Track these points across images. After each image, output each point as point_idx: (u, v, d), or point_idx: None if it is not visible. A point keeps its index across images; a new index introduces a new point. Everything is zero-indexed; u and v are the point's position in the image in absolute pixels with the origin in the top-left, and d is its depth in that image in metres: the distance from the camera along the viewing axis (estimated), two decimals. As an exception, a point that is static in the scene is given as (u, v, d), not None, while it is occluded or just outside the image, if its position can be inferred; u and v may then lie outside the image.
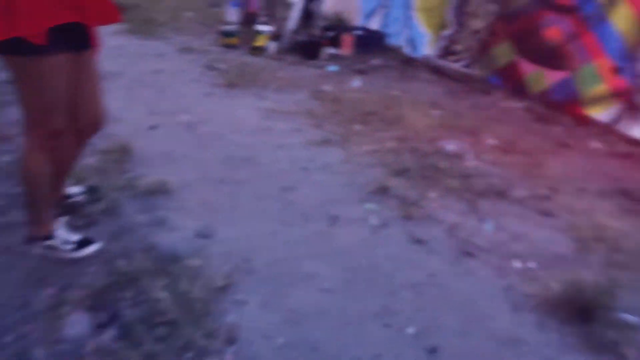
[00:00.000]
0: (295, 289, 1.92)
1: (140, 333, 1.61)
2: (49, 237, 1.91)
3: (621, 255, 2.32)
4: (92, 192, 2.34)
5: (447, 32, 5.47)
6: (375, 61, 5.53)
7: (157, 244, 2.07)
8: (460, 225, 2.47)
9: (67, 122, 1.79)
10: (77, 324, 1.67)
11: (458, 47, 5.40)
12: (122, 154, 2.78)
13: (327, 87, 4.43)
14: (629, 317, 1.88)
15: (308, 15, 5.86)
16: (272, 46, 5.41)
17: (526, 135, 3.79)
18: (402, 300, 1.92)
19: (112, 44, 4.66)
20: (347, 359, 1.63)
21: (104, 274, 1.89)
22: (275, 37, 5.52)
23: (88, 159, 2.53)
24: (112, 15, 1.78)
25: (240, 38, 5.47)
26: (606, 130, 4.01)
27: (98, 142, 2.60)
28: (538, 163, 3.29)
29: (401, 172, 2.92)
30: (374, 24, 6.43)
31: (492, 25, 5.02)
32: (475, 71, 5.17)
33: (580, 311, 1.85)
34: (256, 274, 1.98)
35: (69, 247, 1.94)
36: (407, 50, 5.94)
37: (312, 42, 5.54)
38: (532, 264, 2.19)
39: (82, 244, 1.97)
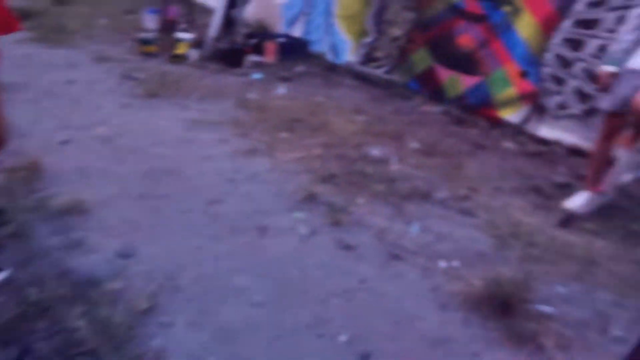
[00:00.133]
0: (225, 305, 1.87)
1: (56, 367, 1.49)
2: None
3: (535, 249, 2.47)
4: (-3, 216, 2.14)
5: (367, 39, 5.61)
6: (299, 68, 5.55)
7: (73, 268, 1.93)
8: (388, 229, 2.52)
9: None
10: (-19, 363, 1.51)
11: (379, 54, 5.55)
12: (31, 171, 2.57)
13: (252, 95, 4.38)
14: (545, 308, 2.00)
15: (230, 22, 5.77)
16: (194, 54, 5.27)
17: (445, 138, 3.96)
18: (333, 308, 1.92)
19: (17, 53, 4.34)
20: (281, 373, 1.61)
21: (13, 304, 1.73)
22: (197, 44, 5.38)
23: (-10, 180, 2.32)
24: (8, 25, 1.64)
25: (160, 46, 5.28)
26: (517, 131, 4.28)
27: (3, 159, 2.39)
28: (457, 164, 3.44)
29: (328, 179, 2.94)
30: (297, 31, 6.47)
31: (409, 33, 5.20)
32: (396, 77, 5.33)
33: (501, 306, 1.94)
34: (182, 292, 1.90)
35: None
36: (330, 57, 6.02)
37: (235, 50, 5.46)
38: (456, 263, 2.28)
39: (-14, 273, 1.80)
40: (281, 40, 5.95)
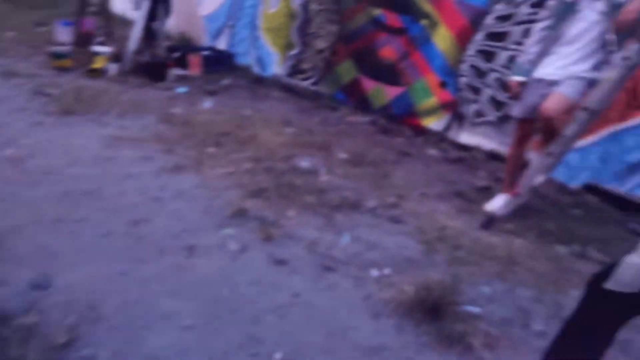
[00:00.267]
0: (152, 332, 1.77)
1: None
2: None
3: (461, 252, 2.57)
4: None
5: (293, 51, 5.65)
6: (226, 81, 5.48)
7: (-22, 305, 1.76)
8: (319, 240, 2.52)
9: None
10: None
11: (305, 66, 5.60)
12: None
13: (177, 110, 4.26)
14: (472, 309, 2.08)
15: (151, 35, 5.60)
16: (112, 68, 5.05)
17: (372, 148, 4.05)
18: (267, 326, 1.88)
19: None
20: (214, 399, 1.54)
21: None
22: (115, 58, 5.16)
23: None
24: None
25: (75, 60, 5.01)
26: (440, 138, 4.46)
27: None
28: (385, 173, 3.53)
29: (258, 193, 2.90)
30: (222, 44, 6.40)
31: (334, 45, 5.30)
32: (323, 88, 5.41)
33: (431, 310, 1.99)
34: (105, 321, 1.79)
35: None
36: (256, 69, 6.00)
37: (157, 63, 5.30)
38: (387, 271, 2.31)
39: None
40: (206, 53, 5.86)
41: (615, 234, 3.05)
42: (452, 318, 1.98)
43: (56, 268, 2.03)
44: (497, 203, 3.08)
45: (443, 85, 4.49)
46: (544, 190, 3.47)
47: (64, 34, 5.60)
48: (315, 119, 4.68)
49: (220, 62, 5.92)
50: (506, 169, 3.24)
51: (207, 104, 4.59)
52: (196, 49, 6.06)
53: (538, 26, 2.98)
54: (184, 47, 5.99)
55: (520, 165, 3.13)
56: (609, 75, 2.41)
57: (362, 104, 5.07)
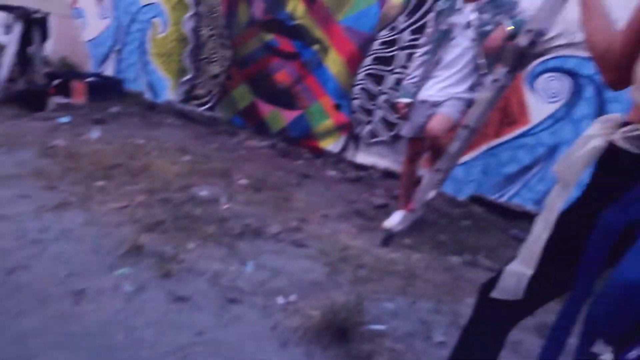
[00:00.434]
0: (35, 394, 1.58)
1: None
2: None
3: (364, 270, 2.63)
4: None
5: (186, 77, 5.52)
6: (115, 109, 5.20)
7: None
8: (222, 272, 2.43)
9: None
10: None
11: (200, 92, 5.48)
12: None
13: (60, 142, 3.94)
14: (377, 327, 2.12)
15: (26, 61, 5.16)
16: (-19, 98, 4.57)
17: (273, 172, 4.04)
18: (169, 370, 1.77)
19: None
20: None
21: None
22: (-16, 87, 4.68)
23: None
24: None
25: None
26: (338, 159, 4.58)
27: None
28: (286, 197, 3.53)
29: (154, 227, 2.75)
30: (109, 70, 6.08)
31: (228, 70, 5.26)
32: (219, 114, 5.33)
33: (338, 333, 1.99)
34: (-24, 389, 1.57)
35: None
36: (148, 95, 5.78)
37: (34, 91, 4.89)
38: (293, 297, 2.29)
39: None
40: (91, 79, 5.52)
41: (500, 241, 3.32)
42: (358, 338, 2.00)
43: None
44: (394, 219, 3.21)
45: (337, 107, 4.63)
46: (436, 204, 3.68)
47: None
48: (212, 145, 4.58)
49: (107, 89, 5.61)
50: (400, 186, 3.39)
51: (95, 134, 4.31)
52: (80, 75, 5.69)
53: (418, 52, 3.19)
54: (66, 74, 5.60)
55: (413, 181, 3.30)
56: (482, 95, 2.63)
57: (260, 128, 5.07)
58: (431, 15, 3.13)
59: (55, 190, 3.06)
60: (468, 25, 2.91)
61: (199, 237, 2.72)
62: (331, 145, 4.70)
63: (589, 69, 3.40)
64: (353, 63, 4.47)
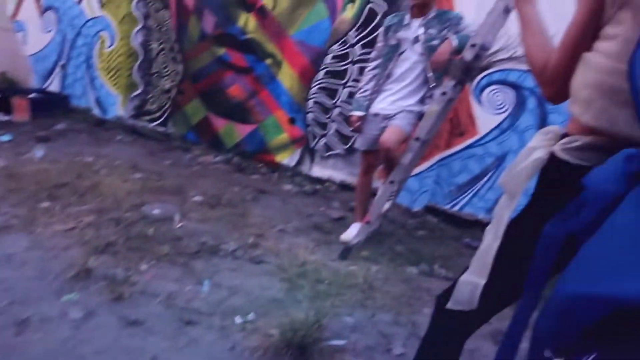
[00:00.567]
0: None
1: None
2: None
3: (322, 285, 2.62)
4: None
5: (136, 92, 5.38)
6: (60, 126, 5.00)
7: None
8: (177, 293, 2.36)
9: None
10: None
11: (151, 107, 5.36)
12: None
13: (0, 162, 3.74)
14: (337, 342, 2.11)
15: (-38, 78, 4.91)
16: None
17: (229, 187, 3.99)
18: (122, 399, 1.69)
19: None
20: None
21: None
22: None
23: None
24: None
25: None
26: (294, 172, 4.57)
27: None
28: (243, 213, 3.48)
29: (104, 249, 2.64)
30: (54, 85, 5.86)
31: (180, 84, 5.17)
32: (172, 129, 5.22)
33: (298, 351, 1.97)
34: None
35: None
36: (96, 111, 5.60)
37: (-28, 109, 4.64)
38: (251, 316, 2.25)
39: None
40: (34, 95, 5.30)
41: (455, 249, 3.39)
42: (319, 355, 1.99)
43: None
44: (351, 232, 3.22)
45: (292, 121, 4.63)
46: (391, 215, 3.73)
47: None
48: (165, 162, 4.48)
49: (52, 105, 5.40)
50: (356, 199, 3.42)
51: (39, 152, 4.12)
52: (22, 91, 5.45)
53: (369, 66, 3.25)
54: (6, 90, 5.34)
55: (368, 194, 3.33)
56: (432, 108, 2.70)
57: (215, 143, 5.00)
58: (380, 30, 3.19)
59: (-4, 213, 2.90)
60: (416, 39, 2.99)
61: (152, 258, 2.63)
62: (287, 159, 4.69)
63: (531, 81, 3.56)
64: (306, 77, 4.50)
